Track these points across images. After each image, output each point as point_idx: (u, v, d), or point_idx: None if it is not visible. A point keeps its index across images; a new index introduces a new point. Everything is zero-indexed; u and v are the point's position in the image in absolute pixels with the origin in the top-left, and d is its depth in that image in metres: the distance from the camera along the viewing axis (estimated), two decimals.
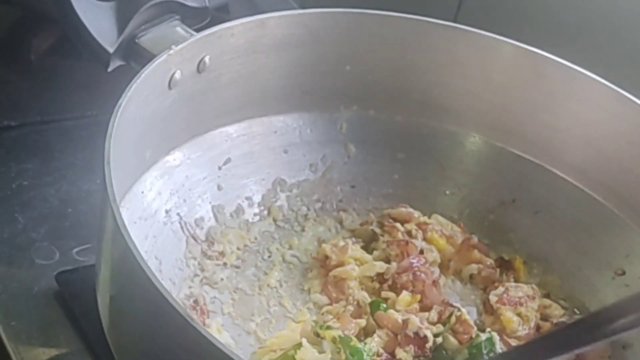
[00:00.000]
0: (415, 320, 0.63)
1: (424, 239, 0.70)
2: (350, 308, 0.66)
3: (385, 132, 0.76)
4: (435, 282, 0.68)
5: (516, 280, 0.71)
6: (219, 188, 0.71)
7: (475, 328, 0.65)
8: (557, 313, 0.70)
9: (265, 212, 0.73)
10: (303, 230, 0.73)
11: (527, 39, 0.74)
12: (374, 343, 0.62)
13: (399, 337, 0.63)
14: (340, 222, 0.75)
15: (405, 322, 0.63)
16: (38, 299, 0.67)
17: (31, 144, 0.79)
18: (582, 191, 0.74)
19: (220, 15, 0.87)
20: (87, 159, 0.78)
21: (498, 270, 0.71)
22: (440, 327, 0.65)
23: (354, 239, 0.72)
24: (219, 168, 0.71)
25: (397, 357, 0.62)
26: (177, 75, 0.63)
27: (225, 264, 0.69)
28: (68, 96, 0.83)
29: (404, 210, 0.73)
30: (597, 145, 0.73)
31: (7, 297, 0.66)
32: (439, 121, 0.76)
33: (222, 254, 0.69)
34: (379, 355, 0.62)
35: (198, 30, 0.67)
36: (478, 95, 0.75)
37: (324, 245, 0.71)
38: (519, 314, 0.68)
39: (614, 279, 0.71)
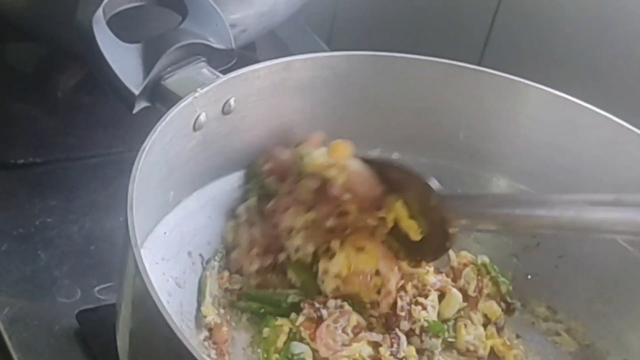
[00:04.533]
0: None
1: None
2: None
3: None
4: None
5: None
6: None
7: None
8: None
9: None
10: None
11: (553, 81, 0.74)
12: None
13: None
14: None
15: None
16: (59, 338, 0.67)
17: (56, 181, 0.79)
18: None
19: (246, 53, 0.87)
20: (110, 197, 0.78)
21: None
22: None
23: None
24: None
25: None
26: (202, 117, 0.64)
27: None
28: (93, 133, 0.84)
29: None
30: (623, 191, 0.72)
31: (28, 335, 0.66)
32: (464, 163, 0.76)
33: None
34: None
35: (224, 72, 0.67)
36: (503, 138, 0.75)
37: None
38: None
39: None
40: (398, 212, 0.66)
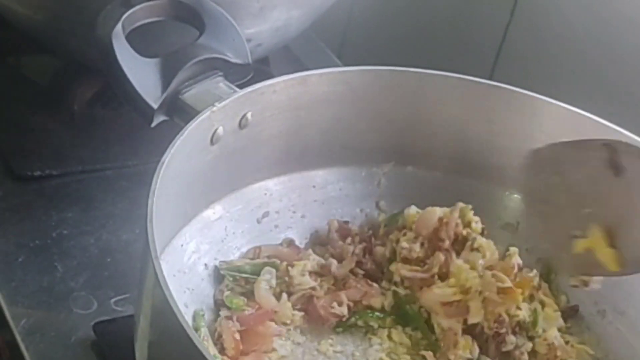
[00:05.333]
0: None
1: None
2: None
3: (423, 187, 0.77)
4: None
5: None
6: (258, 241, 0.71)
7: None
8: None
9: None
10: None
11: (564, 95, 0.75)
12: None
13: None
14: None
15: None
16: (75, 349, 0.67)
17: (72, 193, 0.79)
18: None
19: (260, 66, 0.88)
20: (127, 209, 0.79)
21: None
22: None
23: None
24: (258, 221, 0.72)
25: None
26: (220, 131, 0.64)
27: None
28: (109, 146, 0.84)
29: None
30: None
31: (44, 346, 0.67)
32: (477, 177, 0.76)
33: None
34: None
35: (241, 86, 0.68)
36: (516, 152, 0.75)
37: None
38: None
39: None
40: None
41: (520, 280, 0.68)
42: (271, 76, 0.69)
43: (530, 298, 0.70)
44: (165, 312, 0.51)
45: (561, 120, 0.74)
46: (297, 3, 0.83)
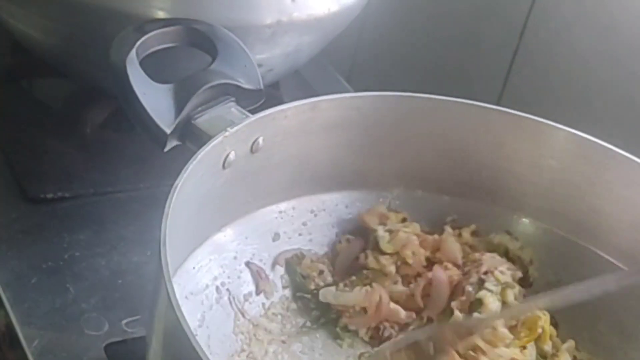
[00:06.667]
0: None
1: None
2: None
3: (432, 211, 0.77)
4: None
5: None
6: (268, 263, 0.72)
7: None
8: None
9: None
10: None
11: (571, 120, 0.75)
12: None
13: None
14: None
15: None
16: None
17: (84, 215, 0.80)
18: None
19: (270, 91, 0.89)
20: (138, 231, 0.79)
21: None
22: None
23: None
24: (269, 244, 0.72)
25: None
26: (232, 155, 0.65)
27: (272, 339, 0.69)
28: (121, 169, 0.85)
29: None
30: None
31: None
32: (485, 201, 0.77)
33: (268, 329, 0.70)
34: None
35: (252, 111, 0.69)
36: (524, 177, 0.76)
37: None
38: None
39: None
40: None
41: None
42: (281, 101, 0.70)
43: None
44: (177, 334, 0.51)
45: (568, 145, 0.74)
46: (308, 29, 0.84)
